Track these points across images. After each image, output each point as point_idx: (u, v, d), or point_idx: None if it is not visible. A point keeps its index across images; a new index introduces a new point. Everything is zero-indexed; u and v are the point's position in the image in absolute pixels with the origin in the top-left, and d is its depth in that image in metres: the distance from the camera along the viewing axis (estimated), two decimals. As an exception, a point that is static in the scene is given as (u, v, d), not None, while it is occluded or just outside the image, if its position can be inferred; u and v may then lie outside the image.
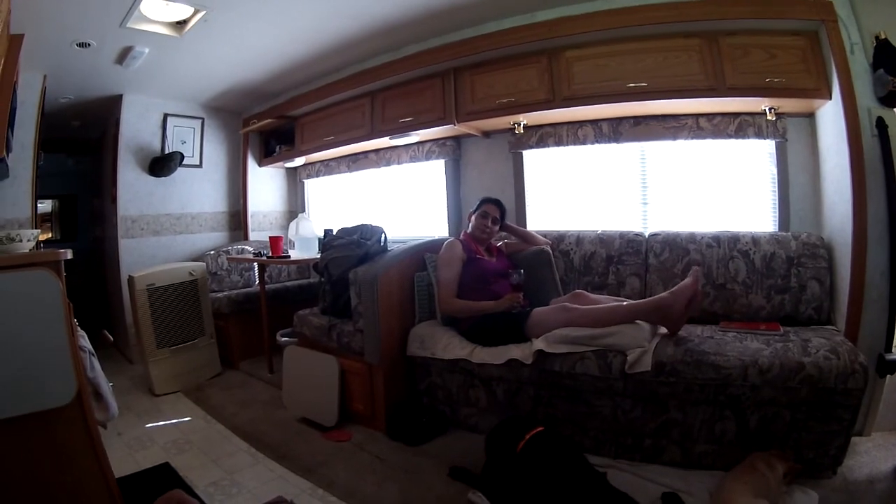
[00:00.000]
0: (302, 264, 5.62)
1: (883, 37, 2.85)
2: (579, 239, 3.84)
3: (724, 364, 2.54)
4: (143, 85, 5.06)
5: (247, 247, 5.76)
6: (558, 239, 3.90)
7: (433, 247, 3.77)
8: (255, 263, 4.98)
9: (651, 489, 2.45)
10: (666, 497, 2.34)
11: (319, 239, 4.39)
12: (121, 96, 5.24)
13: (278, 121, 5.64)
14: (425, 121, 4.33)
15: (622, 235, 3.72)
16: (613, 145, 4.03)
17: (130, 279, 4.37)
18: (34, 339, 1.79)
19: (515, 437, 2.52)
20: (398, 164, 5.17)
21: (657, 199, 4.04)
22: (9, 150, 3.47)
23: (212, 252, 5.58)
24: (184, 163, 5.66)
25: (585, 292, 3.35)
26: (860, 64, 2.92)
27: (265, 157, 6.27)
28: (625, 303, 3.07)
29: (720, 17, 3.18)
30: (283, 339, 4.31)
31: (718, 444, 2.66)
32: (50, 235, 7.27)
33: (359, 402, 3.51)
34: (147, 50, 4.17)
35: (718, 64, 3.24)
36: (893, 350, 2.82)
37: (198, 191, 5.96)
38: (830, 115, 3.12)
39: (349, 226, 3.90)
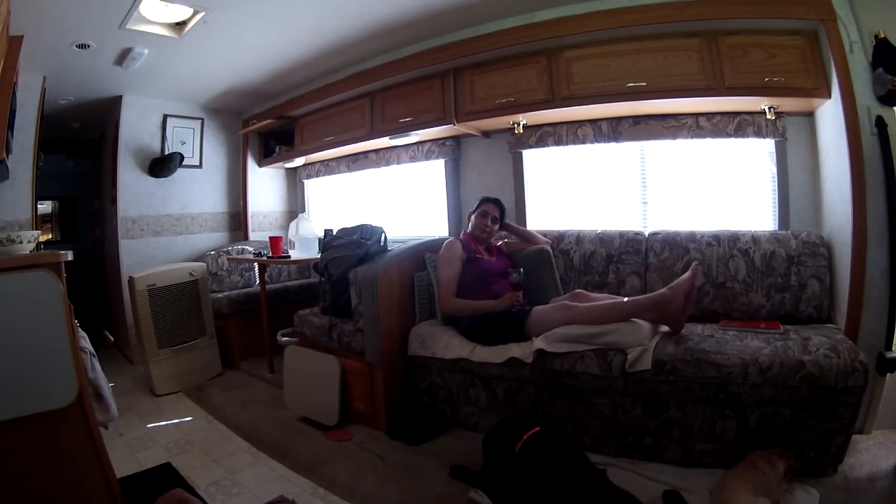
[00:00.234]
0: (302, 264, 5.63)
1: (882, 36, 2.85)
2: (579, 238, 3.84)
3: (724, 363, 2.54)
4: (143, 86, 5.05)
5: (247, 247, 5.76)
6: (558, 238, 3.90)
7: (433, 246, 3.77)
8: (256, 263, 4.97)
9: (652, 487, 2.45)
10: (667, 495, 2.34)
11: (319, 239, 4.39)
12: (120, 97, 5.23)
13: (278, 121, 5.63)
14: (425, 121, 4.33)
15: (622, 234, 3.72)
16: (613, 145, 4.04)
17: (131, 280, 4.37)
18: (35, 341, 1.80)
19: (513, 438, 2.53)
20: (398, 164, 5.17)
21: (657, 198, 4.04)
22: (9, 151, 3.47)
23: (212, 252, 5.58)
24: (184, 163, 5.66)
25: (585, 292, 3.35)
26: (859, 63, 2.92)
27: (265, 158, 6.27)
28: (624, 300, 3.07)
29: (719, 17, 3.18)
30: (284, 338, 4.31)
31: (719, 442, 2.66)
32: (50, 237, 7.28)
33: (359, 401, 3.52)
34: (146, 51, 4.17)
35: (718, 63, 3.24)
36: (894, 348, 2.82)
37: (198, 191, 5.96)
38: (830, 114, 3.12)
39: (349, 226, 3.90)
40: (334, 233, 3.95)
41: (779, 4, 3.08)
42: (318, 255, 4.01)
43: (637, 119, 3.87)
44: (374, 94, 4.70)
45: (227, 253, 5.59)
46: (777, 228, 3.55)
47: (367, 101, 4.76)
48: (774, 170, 3.58)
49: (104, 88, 5.01)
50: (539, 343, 2.95)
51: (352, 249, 3.66)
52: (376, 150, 5.33)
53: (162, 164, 5.46)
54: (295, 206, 6.67)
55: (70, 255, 2.01)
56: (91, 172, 7.08)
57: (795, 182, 3.50)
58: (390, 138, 4.68)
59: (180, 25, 3.88)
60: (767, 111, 3.39)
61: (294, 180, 6.66)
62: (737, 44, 3.23)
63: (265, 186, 6.48)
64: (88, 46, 3.95)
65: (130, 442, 3.38)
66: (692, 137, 3.71)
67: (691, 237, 3.49)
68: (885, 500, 2.34)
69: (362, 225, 3.85)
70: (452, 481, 2.72)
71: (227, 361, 4.99)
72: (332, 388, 3.53)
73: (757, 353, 2.54)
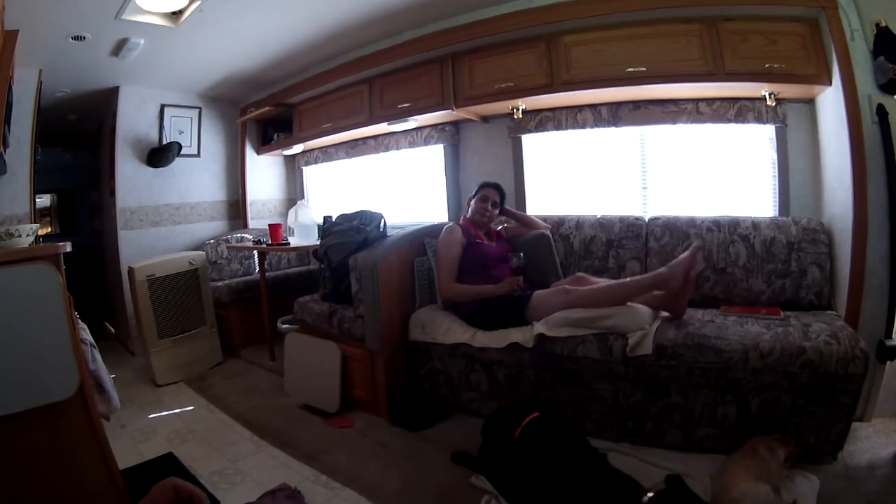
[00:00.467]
0: (301, 251, 5.63)
1: (883, 24, 2.82)
2: (579, 223, 3.84)
3: (725, 348, 2.54)
4: (140, 76, 5.02)
5: (246, 235, 5.76)
6: (558, 223, 3.90)
7: (433, 232, 3.77)
8: (255, 251, 4.98)
9: (653, 472, 2.46)
10: (670, 479, 2.35)
11: (319, 226, 4.38)
12: (117, 88, 5.20)
13: (276, 109, 5.61)
14: (424, 106, 4.31)
15: (622, 220, 3.72)
16: (613, 129, 4.03)
17: (130, 270, 4.36)
18: (35, 334, 1.79)
19: (512, 424, 2.54)
20: (397, 149, 5.16)
21: (657, 183, 4.03)
22: (6, 145, 3.46)
23: (211, 241, 5.58)
24: (182, 153, 5.64)
25: (586, 275, 3.36)
26: (860, 51, 2.90)
27: (263, 146, 6.25)
28: (625, 280, 3.08)
29: (719, 3, 3.17)
30: (284, 326, 4.32)
31: (720, 427, 2.67)
32: (49, 230, 7.25)
33: (360, 388, 3.53)
34: (143, 41, 4.14)
35: (718, 49, 3.22)
36: (894, 336, 2.82)
37: (196, 180, 5.95)
38: (831, 102, 3.10)
39: (348, 212, 3.89)
40: (333, 219, 3.94)
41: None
42: (318, 242, 4.01)
43: (637, 104, 3.85)
44: (372, 80, 4.68)
45: (227, 241, 5.58)
46: (777, 214, 3.54)
47: (365, 87, 4.74)
48: (775, 156, 3.57)
49: (101, 80, 4.98)
50: (539, 327, 2.95)
51: (351, 236, 3.65)
52: (375, 136, 5.31)
53: (160, 154, 5.44)
54: (294, 194, 6.66)
55: (69, 247, 2.00)
56: (89, 164, 7.05)
57: (796, 168, 3.49)
58: (389, 124, 4.66)
59: (176, 14, 3.84)
60: (768, 97, 3.38)
61: (293, 167, 6.65)
62: (737, 29, 3.20)
63: (264, 174, 6.46)
64: (84, 38, 3.93)
65: (132, 433, 3.40)
66: (692, 123, 3.69)
67: (691, 222, 3.49)
68: (884, 487, 2.35)
69: (362, 211, 3.84)
70: (454, 467, 2.74)
71: (227, 350, 5.00)
72: (332, 375, 3.53)
73: (757, 339, 2.54)
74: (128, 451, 3.07)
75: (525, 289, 3.27)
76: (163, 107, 5.55)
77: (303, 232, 4.66)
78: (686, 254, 2.93)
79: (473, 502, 2.41)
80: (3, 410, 1.72)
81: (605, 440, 2.88)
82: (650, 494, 2.02)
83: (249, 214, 6.28)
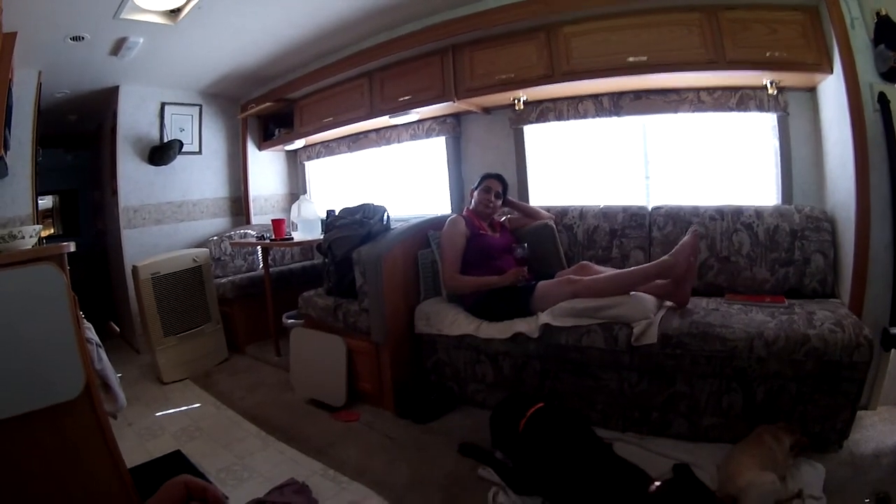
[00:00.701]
0: (305, 246, 5.61)
1: (883, 13, 2.79)
2: (582, 213, 3.84)
3: (729, 336, 2.54)
4: (139, 75, 5.02)
5: (249, 231, 5.78)
6: (561, 213, 3.90)
7: (436, 224, 3.78)
8: (259, 247, 4.98)
9: (659, 462, 2.46)
10: (677, 468, 2.35)
11: (322, 220, 4.39)
12: (117, 88, 5.20)
13: (277, 104, 5.61)
14: (425, 98, 4.30)
15: (625, 209, 3.71)
16: (614, 119, 4.01)
17: (134, 269, 4.37)
18: (41, 334, 1.79)
19: (517, 415, 2.55)
20: (399, 142, 5.15)
21: (659, 172, 4.02)
22: (6, 147, 3.46)
23: (215, 238, 5.59)
24: (183, 150, 5.65)
25: (591, 264, 3.36)
26: (861, 39, 2.88)
27: (265, 141, 6.26)
28: (629, 269, 3.08)
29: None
30: (289, 321, 4.33)
31: (725, 417, 2.67)
32: (52, 231, 7.27)
33: (366, 381, 3.54)
34: (142, 40, 4.14)
35: (719, 38, 3.20)
36: (898, 324, 2.81)
37: (198, 178, 5.95)
38: (832, 90, 3.09)
39: (351, 206, 3.89)
40: (336, 213, 3.94)
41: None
42: (321, 237, 4.01)
43: (638, 93, 3.83)
44: (372, 74, 4.67)
45: (230, 238, 5.59)
46: (780, 203, 3.53)
47: (365, 80, 4.73)
48: (777, 144, 3.55)
49: (100, 80, 4.98)
50: (544, 318, 2.96)
51: (355, 229, 3.65)
52: (377, 130, 5.30)
53: (161, 153, 5.45)
54: (296, 189, 6.66)
55: (72, 247, 2.01)
56: (90, 165, 7.05)
57: (798, 156, 3.47)
58: (390, 117, 4.65)
59: (175, 12, 3.84)
60: (769, 86, 3.36)
61: (295, 163, 6.64)
62: (737, 18, 3.18)
63: (266, 170, 6.47)
64: (83, 38, 3.93)
65: (139, 431, 3.41)
66: (694, 112, 3.67)
67: (694, 211, 3.48)
68: (890, 475, 2.34)
69: (365, 204, 3.85)
70: (461, 458, 2.75)
71: (233, 346, 5.02)
72: (338, 368, 3.54)
73: (762, 327, 2.54)
74: (135, 449, 3.09)
75: (529, 279, 3.26)
76: (163, 105, 5.55)
77: (306, 227, 4.67)
78: (686, 237, 2.94)
79: (481, 494, 2.41)
80: (10, 412, 1.72)
81: (611, 430, 2.89)
82: (657, 483, 2.02)
83: (252, 210, 6.29)
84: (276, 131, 5.98)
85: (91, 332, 2.46)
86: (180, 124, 5.71)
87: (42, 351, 1.80)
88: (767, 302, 2.95)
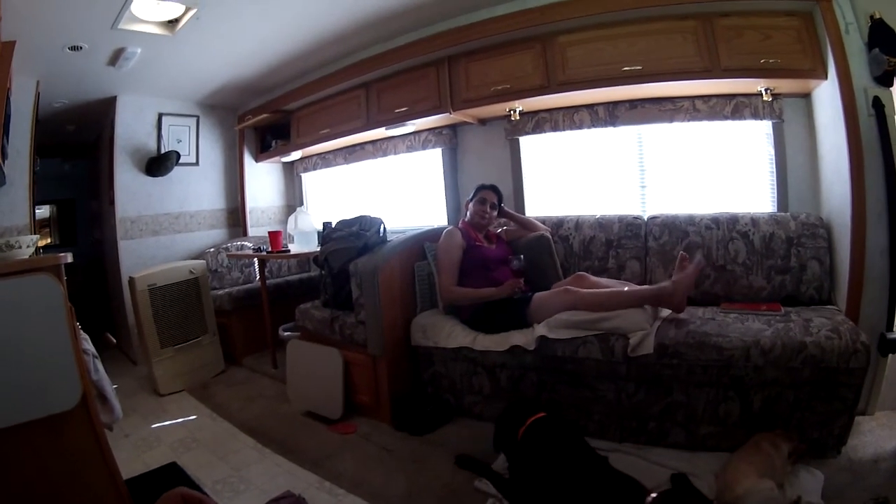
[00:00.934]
0: (302, 258, 5.63)
1: (877, 16, 2.82)
2: (578, 224, 3.84)
3: (726, 345, 2.55)
4: (137, 85, 5.03)
5: (246, 243, 5.78)
6: (557, 224, 3.90)
7: (432, 236, 3.78)
8: (256, 259, 4.97)
9: (657, 472, 2.46)
10: (675, 478, 2.35)
11: (318, 232, 4.39)
12: (115, 98, 5.21)
13: (273, 115, 5.62)
14: (421, 110, 4.31)
15: (621, 219, 3.72)
16: (610, 129, 4.02)
17: (131, 280, 4.37)
18: (37, 345, 1.79)
19: (517, 423, 2.54)
20: (395, 154, 5.16)
21: (655, 182, 4.03)
22: (4, 157, 3.47)
23: (211, 249, 5.59)
24: (180, 161, 5.65)
25: (587, 274, 3.35)
26: (855, 44, 2.90)
27: (261, 153, 6.26)
28: (626, 288, 3.07)
29: (712, -1, 3.18)
30: (286, 333, 4.32)
31: (723, 425, 2.67)
32: (49, 241, 7.26)
33: (363, 393, 3.53)
34: (139, 50, 4.15)
35: (713, 46, 3.23)
36: (895, 329, 2.82)
37: (195, 189, 5.95)
38: (827, 96, 3.11)
39: (348, 218, 3.89)
40: (333, 225, 3.94)
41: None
42: (318, 249, 4.01)
43: (633, 103, 3.85)
44: (369, 85, 4.68)
45: (227, 249, 5.59)
46: (776, 210, 3.54)
47: (362, 92, 4.74)
48: (772, 151, 3.56)
49: (98, 90, 4.99)
50: (541, 329, 2.96)
51: (351, 241, 3.65)
52: (373, 142, 5.31)
53: (158, 163, 5.45)
54: (293, 201, 6.67)
55: (70, 257, 2.01)
56: (88, 174, 7.07)
57: (793, 164, 3.49)
58: (387, 129, 4.66)
59: (173, 23, 3.86)
60: (764, 93, 3.38)
61: (291, 174, 6.65)
62: (731, 25, 3.21)
63: (263, 181, 6.47)
64: (81, 48, 3.94)
65: (136, 443, 3.39)
66: (689, 120, 3.69)
67: (690, 220, 3.48)
68: (889, 481, 2.34)
69: (361, 216, 3.85)
70: (458, 470, 2.74)
71: (229, 358, 5.00)
72: (335, 381, 3.53)
73: (758, 335, 2.54)
74: (131, 460, 3.08)
75: (526, 291, 3.27)
76: (160, 115, 5.55)
77: (303, 239, 4.66)
78: (690, 268, 2.95)
79: (478, 505, 2.40)
80: (6, 422, 1.72)
81: (609, 440, 2.88)
82: (653, 495, 2.02)
83: (249, 222, 6.28)
84: (273, 143, 5.98)
85: (88, 343, 2.46)
86: (177, 135, 5.71)
87: (39, 361, 1.80)
88: (764, 310, 2.94)
